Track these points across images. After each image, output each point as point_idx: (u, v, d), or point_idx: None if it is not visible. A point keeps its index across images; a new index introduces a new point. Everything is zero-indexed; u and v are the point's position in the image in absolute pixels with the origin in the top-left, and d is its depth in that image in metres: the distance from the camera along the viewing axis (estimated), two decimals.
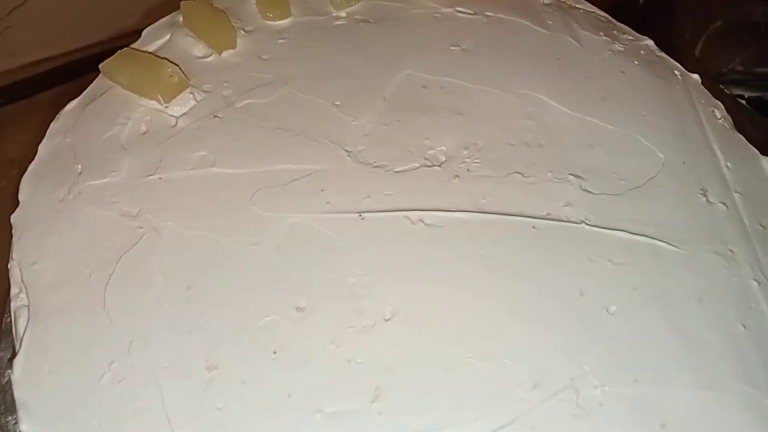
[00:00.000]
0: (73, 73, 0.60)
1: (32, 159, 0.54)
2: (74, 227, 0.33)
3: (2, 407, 0.34)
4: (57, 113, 0.58)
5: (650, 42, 0.45)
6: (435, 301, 0.31)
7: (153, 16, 0.65)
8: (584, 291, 0.32)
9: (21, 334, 0.30)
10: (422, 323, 0.30)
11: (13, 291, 0.32)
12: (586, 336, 0.31)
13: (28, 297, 0.31)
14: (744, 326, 0.32)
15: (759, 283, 0.33)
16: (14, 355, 0.30)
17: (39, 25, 0.61)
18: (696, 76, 0.43)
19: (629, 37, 0.45)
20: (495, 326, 0.31)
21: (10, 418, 0.33)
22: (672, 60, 0.44)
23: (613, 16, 0.48)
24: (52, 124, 0.38)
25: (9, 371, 0.30)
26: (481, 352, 0.30)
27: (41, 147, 0.37)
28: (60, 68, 0.60)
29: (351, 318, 0.30)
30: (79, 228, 0.33)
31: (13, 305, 0.32)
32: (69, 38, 0.64)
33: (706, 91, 0.43)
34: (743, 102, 0.67)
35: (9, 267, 0.33)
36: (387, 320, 0.30)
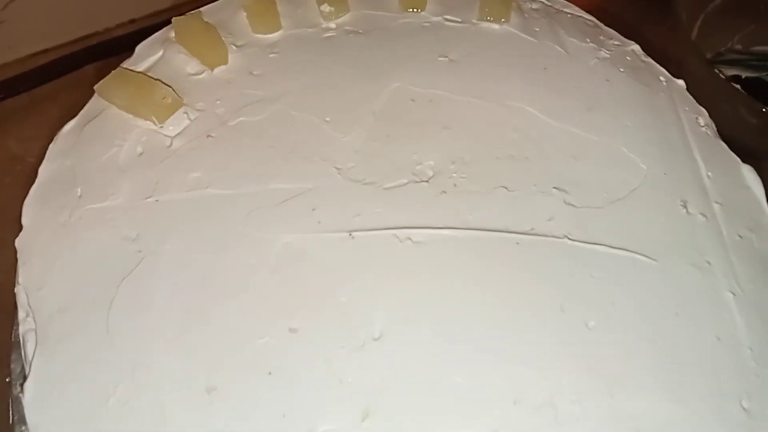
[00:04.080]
0: (72, 65, 0.61)
1: (36, 155, 0.55)
2: (76, 252, 0.35)
3: (16, 417, 0.36)
4: (57, 106, 0.58)
5: (636, 47, 0.46)
6: (421, 319, 0.33)
7: (146, 5, 0.65)
8: (565, 306, 0.33)
9: (30, 358, 0.32)
10: (409, 342, 0.32)
11: (21, 315, 0.34)
12: (566, 351, 0.32)
13: (35, 321, 0.33)
14: (718, 338, 0.33)
15: (734, 294, 0.35)
16: (25, 378, 0.32)
17: (35, 18, 0.61)
18: (681, 82, 0.44)
19: (615, 43, 0.46)
20: (479, 344, 0.32)
21: (23, 427, 0.35)
22: (657, 65, 0.45)
23: None
24: (51, 145, 0.39)
25: (20, 384, 0.32)
26: (465, 369, 0.31)
27: (41, 170, 0.38)
28: (59, 60, 0.61)
29: (342, 338, 0.32)
30: (81, 252, 0.35)
31: (21, 329, 0.33)
32: (66, 30, 0.64)
33: (691, 97, 0.43)
34: (738, 87, 0.67)
35: (15, 291, 0.34)
36: (376, 339, 0.32)
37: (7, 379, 0.37)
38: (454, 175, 0.38)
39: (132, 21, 0.66)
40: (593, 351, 0.32)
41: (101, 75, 0.62)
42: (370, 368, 0.31)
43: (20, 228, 0.36)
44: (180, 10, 0.64)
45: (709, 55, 0.60)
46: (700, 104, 0.43)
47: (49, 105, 0.60)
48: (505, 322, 0.33)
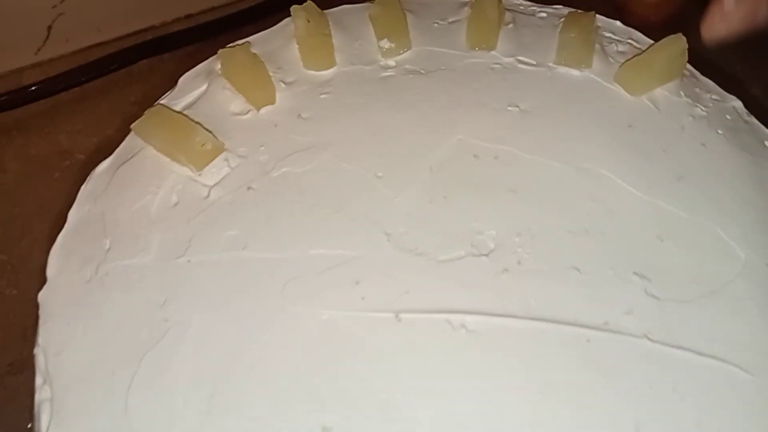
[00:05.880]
0: (126, 60, 0.60)
1: (84, 151, 0.55)
2: (100, 315, 0.32)
3: None
4: (108, 101, 0.57)
5: (738, 103, 0.40)
6: (470, 427, 0.29)
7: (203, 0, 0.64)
8: (640, 426, 0.29)
9: None
10: None
11: (38, 381, 0.31)
12: None
13: (51, 390, 0.31)
14: None
15: None
16: None
17: (92, 11, 0.61)
18: None
19: (714, 98, 0.40)
20: None
21: None
22: (762, 127, 0.39)
23: None
24: (83, 187, 0.37)
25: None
26: None
27: (71, 214, 0.36)
28: (112, 55, 0.59)
29: None
30: (105, 316, 0.32)
31: (37, 397, 0.31)
32: (122, 23, 0.63)
33: None
34: None
35: (35, 353, 0.32)
36: None
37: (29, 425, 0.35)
38: (519, 249, 0.34)
39: (188, 16, 0.65)
40: None
41: (155, 71, 0.61)
42: None
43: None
44: (237, 6, 0.63)
45: None
46: None
47: (100, 100, 0.59)
48: None
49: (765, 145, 0.38)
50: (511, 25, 0.42)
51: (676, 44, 0.39)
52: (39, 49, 0.60)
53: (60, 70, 0.58)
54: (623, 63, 0.40)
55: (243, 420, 0.29)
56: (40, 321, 0.33)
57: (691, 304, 0.32)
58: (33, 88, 0.56)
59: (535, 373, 0.30)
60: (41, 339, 0.32)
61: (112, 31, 0.63)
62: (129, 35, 0.63)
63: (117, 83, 0.59)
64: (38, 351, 0.32)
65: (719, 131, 0.38)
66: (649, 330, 0.31)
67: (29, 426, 0.34)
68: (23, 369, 0.44)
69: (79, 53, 0.61)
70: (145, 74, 0.60)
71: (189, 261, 0.33)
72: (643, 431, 0.29)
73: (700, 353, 0.31)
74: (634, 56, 0.41)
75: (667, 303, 0.32)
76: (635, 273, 0.33)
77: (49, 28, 0.59)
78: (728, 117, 0.39)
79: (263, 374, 0.30)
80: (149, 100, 0.52)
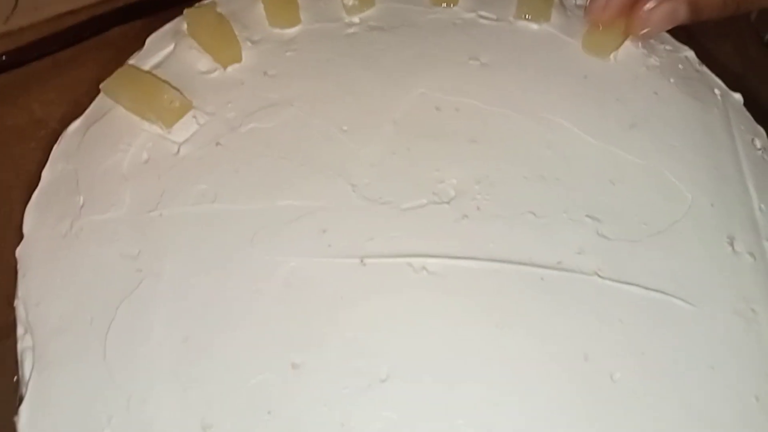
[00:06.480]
0: (97, 28, 0.59)
1: (59, 120, 0.54)
2: (76, 267, 0.33)
3: None
4: (81, 69, 0.57)
5: (691, 53, 0.41)
6: (432, 360, 0.31)
7: None
8: (589, 355, 0.31)
9: (27, 379, 0.31)
10: (417, 385, 0.30)
11: (20, 331, 0.33)
12: (585, 406, 0.30)
13: (32, 339, 0.32)
14: (757, 398, 0.30)
15: None
16: (20, 399, 0.31)
17: None
18: (738, 96, 0.40)
19: (668, 48, 0.41)
20: (492, 392, 0.30)
21: None
22: (713, 75, 0.40)
23: None
24: (55, 146, 0.38)
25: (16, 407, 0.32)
26: (474, 419, 0.29)
27: (44, 173, 0.37)
28: (84, 23, 0.59)
29: (346, 378, 0.30)
30: (81, 268, 0.33)
31: (19, 346, 0.32)
32: None
33: (748, 114, 0.39)
34: None
35: (15, 305, 0.33)
36: (382, 381, 0.30)
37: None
38: (478, 196, 0.35)
39: None
40: (615, 407, 0.30)
41: (127, 38, 0.60)
42: (374, 413, 0.29)
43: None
44: None
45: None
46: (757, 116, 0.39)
47: (72, 68, 0.58)
48: (521, 368, 0.30)
49: (714, 93, 0.40)
50: None
51: None
52: (8, 18, 0.60)
53: (30, 39, 0.57)
54: (587, 30, 0.41)
55: (216, 361, 0.30)
56: (19, 275, 0.34)
57: (639, 243, 0.34)
58: (3, 57, 0.55)
59: (492, 310, 0.32)
60: (20, 291, 0.33)
61: None
62: (99, 2, 0.61)
63: (89, 51, 0.58)
64: (18, 303, 0.33)
65: (671, 80, 0.39)
66: (599, 268, 0.33)
67: (15, 379, 0.36)
68: (9, 334, 0.45)
69: (50, 21, 0.60)
70: (118, 41, 0.58)
71: (161, 215, 0.34)
72: (592, 360, 0.31)
73: (645, 288, 0.33)
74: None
75: (616, 242, 0.34)
76: (587, 215, 0.35)
77: None
78: (680, 66, 0.41)
79: (234, 318, 0.31)
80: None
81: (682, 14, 0.37)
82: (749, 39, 0.55)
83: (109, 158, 0.36)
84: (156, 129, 0.37)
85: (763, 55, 0.54)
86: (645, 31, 0.38)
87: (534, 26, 0.41)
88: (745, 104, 0.40)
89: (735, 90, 0.40)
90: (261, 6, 0.42)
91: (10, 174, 0.52)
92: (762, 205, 0.36)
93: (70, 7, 0.62)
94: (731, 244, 0.34)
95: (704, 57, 0.41)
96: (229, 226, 0.34)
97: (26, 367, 0.32)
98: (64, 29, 0.58)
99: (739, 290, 0.33)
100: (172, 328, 0.31)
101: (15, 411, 0.34)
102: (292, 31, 0.41)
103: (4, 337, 0.44)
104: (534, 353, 0.31)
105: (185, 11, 0.40)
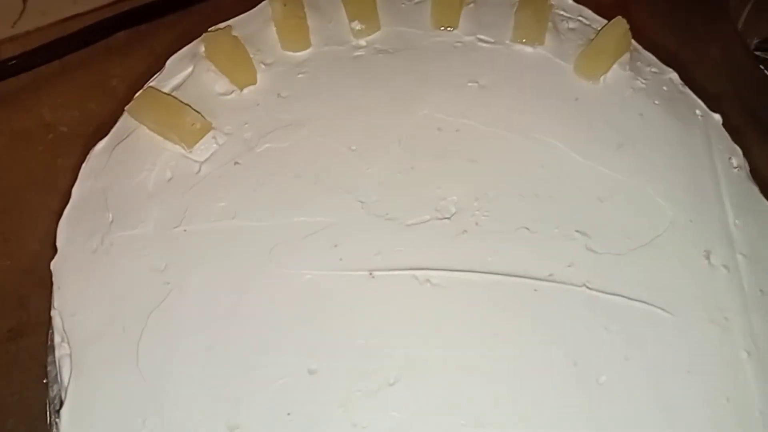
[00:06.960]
0: (104, 32, 0.61)
1: (67, 124, 0.55)
2: (108, 280, 0.36)
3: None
4: (88, 73, 0.57)
5: (675, 75, 0.44)
6: (436, 366, 0.34)
7: None
8: (578, 360, 0.34)
9: (66, 384, 0.34)
10: (423, 389, 0.33)
11: (57, 339, 0.35)
12: (574, 407, 0.33)
13: (70, 347, 0.35)
14: (728, 399, 0.34)
15: (749, 353, 0.35)
16: (61, 403, 0.34)
17: None
18: (717, 117, 0.42)
19: (653, 70, 0.44)
20: (490, 394, 0.33)
21: None
22: (695, 97, 0.43)
23: None
24: (83, 165, 0.40)
25: (56, 411, 0.34)
26: (474, 419, 0.32)
27: (74, 190, 0.39)
28: (90, 27, 0.60)
29: (358, 382, 0.33)
30: (113, 281, 0.36)
31: (57, 353, 0.35)
32: None
33: (726, 134, 0.42)
34: None
35: (51, 315, 0.36)
36: (391, 385, 0.33)
37: (44, 380, 0.39)
38: (477, 213, 0.38)
39: None
40: (601, 408, 0.33)
41: (132, 42, 0.62)
42: (383, 414, 0.32)
43: (54, 248, 0.38)
44: None
45: (756, 41, 0.58)
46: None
47: (80, 72, 0.59)
48: (516, 372, 0.34)
49: (696, 113, 0.43)
50: (471, 5, 0.46)
51: (619, 27, 0.43)
52: (15, 23, 0.60)
53: (37, 43, 0.58)
54: (579, 54, 0.43)
55: (238, 365, 0.34)
56: (54, 287, 0.37)
57: (623, 257, 0.37)
58: (12, 62, 0.56)
59: (490, 319, 0.35)
60: (57, 303, 0.36)
61: (88, 2, 0.62)
62: (105, 6, 0.62)
63: (95, 55, 0.60)
64: (55, 313, 0.36)
65: (656, 101, 0.42)
66: (587, 279, 0.36)
67: (45, 381, 0.38)
68: (22, 334, 0.45)
69: (56, 25, 0.61)
70: (123, 45, 0.60)
71: (185, 230, 0.37)
72: (581, 365, 0.34)
73: (629, 298, 0.36)
74: (585, 44, 0.44)
75: (603, 256, 0.37)
76: (577, 231, 0.38)
77: (25, 0, 0.59)
78: (665, 88, 0.44)
79: (254, 326, 0.35)
80: (128, 71, 0.54)
81: None
82: (736, 47, 0.58)
83: (136, 177, 0.39)
84: (178, 149, 0.40)
85: (749, 61, 0.57)
86: None
87: (529, 49, 0.44)
88: (731, 105, 0.42)
89: (716, 104, 0.43)
90: (273, 30, 0.44)
91: (21, 178, 0.53)
92: (737, 221, 0.39)
93: (76, 11, 0.64)
94: (707, 258, 0.37)
95: (686, 79, 0.44)
96: (249, 241, 0.37)
97: (65, 373, 0.34)
98: (71, 33, 0.60)
99: (714, 300, 0.36)
100: (197, 337, 0.34)
101: (49, 413, 0.37)
102: (303, 54, 0.43)
103: (18, 337, 0.47)
104: (528, 359, 0.34)
105: (203, 35, 0.43)
